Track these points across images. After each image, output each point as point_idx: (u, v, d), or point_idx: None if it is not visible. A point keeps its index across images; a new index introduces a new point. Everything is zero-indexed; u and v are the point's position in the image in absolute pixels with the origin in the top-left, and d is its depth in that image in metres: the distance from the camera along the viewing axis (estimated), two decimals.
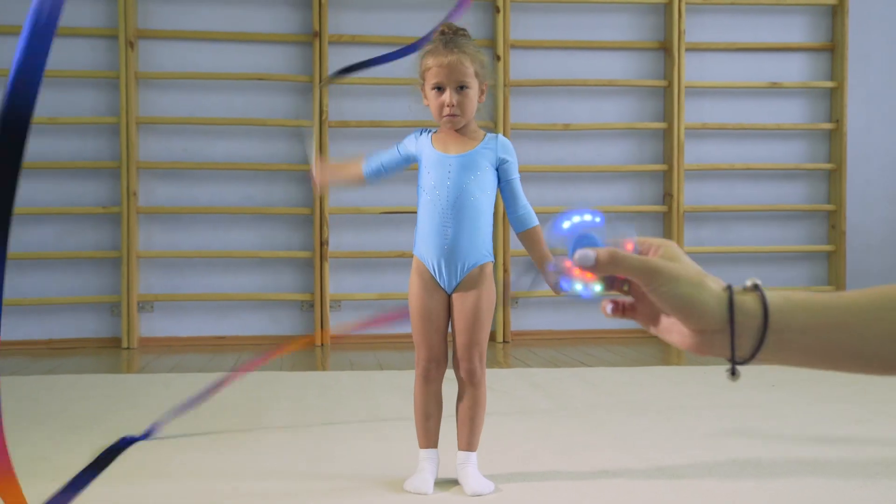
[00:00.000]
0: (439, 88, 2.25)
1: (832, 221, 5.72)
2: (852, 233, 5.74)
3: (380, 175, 2.36)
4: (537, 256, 2.34)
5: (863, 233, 5.79)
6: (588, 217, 0.84)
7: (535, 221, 2.33)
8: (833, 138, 5.72)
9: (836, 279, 5.68)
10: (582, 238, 0.82)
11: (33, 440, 2.78)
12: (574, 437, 2.84)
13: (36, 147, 5.20)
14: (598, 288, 0.83)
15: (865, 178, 5.81)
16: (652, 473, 2.41)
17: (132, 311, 5.17)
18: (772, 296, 0.81)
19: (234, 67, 5.31)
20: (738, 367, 0.81)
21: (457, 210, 2.23)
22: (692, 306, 0.78)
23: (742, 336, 0.79)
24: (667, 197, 5.59)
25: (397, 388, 3.71)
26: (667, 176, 5.59)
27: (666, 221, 5.60)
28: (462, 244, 2.24)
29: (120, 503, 2.14)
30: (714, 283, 0.80)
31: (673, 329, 0.82)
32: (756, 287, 0.82)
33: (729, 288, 0.80)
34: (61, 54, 5.22)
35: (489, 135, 2.32)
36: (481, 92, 2.31)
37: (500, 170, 2.30)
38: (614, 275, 0.82)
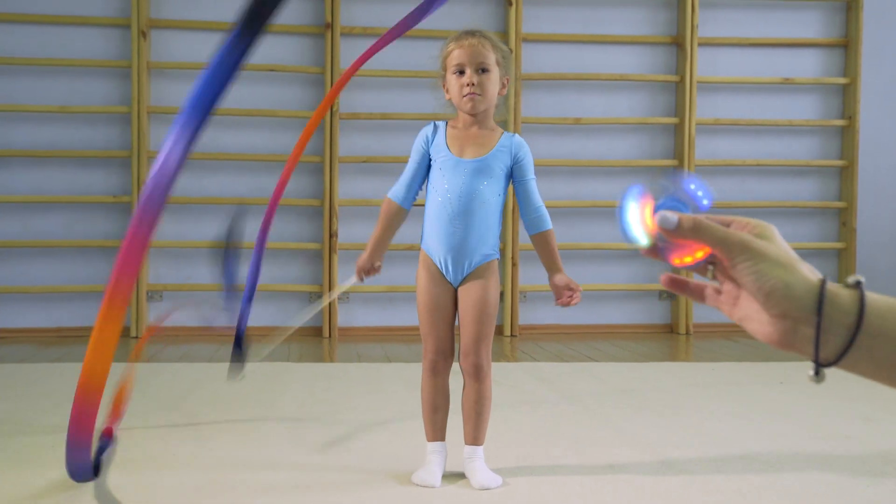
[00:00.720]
0: (461, 72, 2.27)
1: (843, 218, 5.70)
2: (863, 230, 5.72)
3: (415, 194, 2.35)
4: (546, 261, 2.31)
5: (874, 230, 5.76)
6: (700, 193, 0.81)
7: (549, 225, 2.31)
8: (845, 135, 5.70)
9: (845, 277, 5.64)
10: (670, 200, 0.79)
11: (42, 428, 2.79)
12: (581, 431, 2.84)
13: (47, 135, 5.21)
14: (644, 241, 0.79)
15: (877, 175, 5.78)
16: (659, 468, 2.40)
17: (141, 301, 5.19)
18: (874, 297, 0.73)
19: (245, 58, 5.30)
20: (823, 370, 0.73)
21: (468, 212, 2.24)
22: (776, 286, 0.72)
23: (830, 332, 0.72)
24: None
25: (405, 380, 3.71)
26: (678, 171, 5.58)
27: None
28: (471, 243, 2.25)
29: (127, 493, 2.15)
30: (808, 271, 0.74)
31: (754, 317, 0.76)
32: (858, 284, 0.74)
33: (824, 278, 0.74)
34: (74, 43, 5.23)
35: (506, 133, 2.31)
36: (502, 85, 2.31)
37: (515, 169, 2.29)
38: (697, 243, 0.77)
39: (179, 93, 5.30)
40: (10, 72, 5.18)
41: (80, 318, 5.25)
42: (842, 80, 5.64)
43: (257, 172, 5.34)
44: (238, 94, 5.30)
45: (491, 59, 2.27)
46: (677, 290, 0.84)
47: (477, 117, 2.30)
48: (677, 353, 4.71)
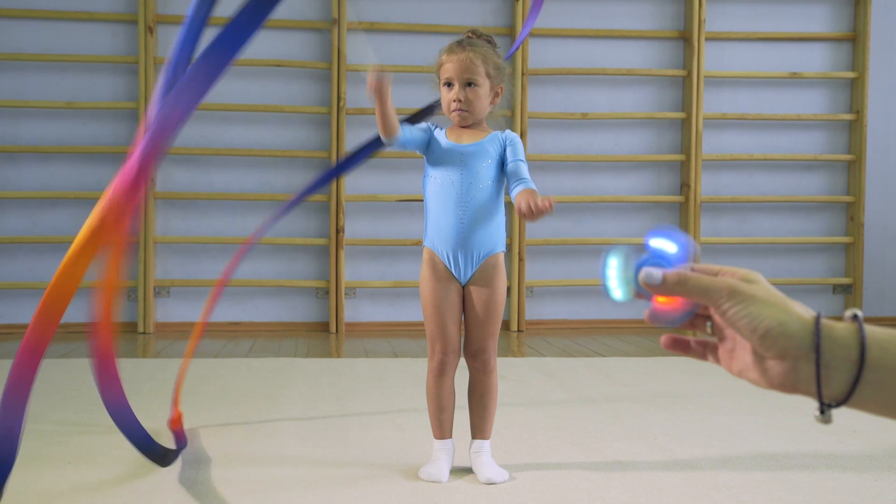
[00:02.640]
0: (449, 84, 2.30)
1: (851, 213, 5.69)
2: (871, 224, 5.70)
3: (405, 143, 2.31)
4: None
5: (881, 224, 5.75)
6: (674, 249, 0.79)
7: (527, 186, 2.23)
8: (853, 129, 5.68)
9: (853, 271, 5.65)
10: (653, 256, 0.79)
11: (50, 423, 2.80)
12: (588, 426, 2.84)
13: (54, 131, 5.22)
14: (621, 294, 0.79)
15: (885, 169, 5.76)
16: (666, 464, 2.40)
17: (148, 296, 5.20)
18: (872, 329, 0.71)
19: (252, 54, 5.31)
20: (832, 409, 0.71)
21: (472, 195, 2.25)
22: (770, 326, 0.71)
23: (832, 368, 0.70)
24: (684, 187, 5.56)
25: (412, 375, 3.72)
26: (684, 166, 5.57)
27: (683, 212, 5.57)
28: (478, 231, 2.26)
29: (135, 490, 2.15)
30: (801, 309, 0.72)
31: (753, 366, 0.74)
32: (855, 317, 0.72)
33: (818, 314, 0.72)
34: (81, 39, 5.24)
35: (497, 131, 2.34)
36: (495, 94, 2.33)
37: (508, 151, 2.30)
38: (684, 297, 0.76)
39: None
40: (17, 67, 5.19)
41: (87, 314, 5.25)
42: (850, 75, 5.62)
43: (264, 168, 5.35)
44: (245, 90, 5.31)
45: (480, 72, 2.27)
46: (679, 350, 0.83)
47: (468, 128, 2.33)
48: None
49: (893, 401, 0.69)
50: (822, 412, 0.71)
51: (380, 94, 2.21)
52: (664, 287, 0.75)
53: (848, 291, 5.68)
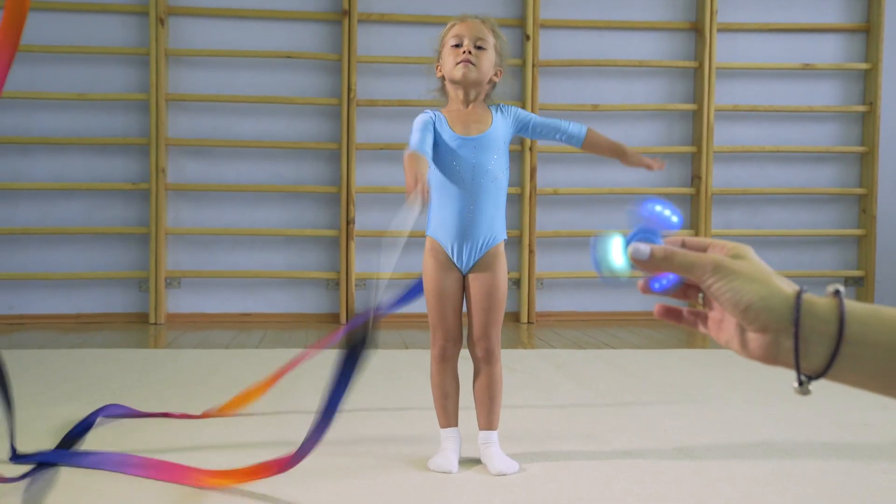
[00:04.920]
0: (458, 45, 2.27)
1: (863, 205, 5.66)
2: (883, 217, 5.68)
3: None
4: (610, 150, 2.41)
5: (894, 217, 5.72)
6: (668, 213, 0.83)
7: (584, 127, 2.37)
8: (866, 121, 5.65)
9: (865, 264, 5.62)
10: (641, 232, 0.82)
11: (62, 413, 2.81)
12: (597, 418, 2.83)
13: (66, 123, 5.24)
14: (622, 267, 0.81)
15: None
16: (675, 455, 2.40)
17: (160, 287, 5.22)
18: (854, 304, 0.72)
19: (263, 45, 5.32)
20: (811, 382, 0.73)
21: (479, 191, 2.23)
22: (752, 301, 0.73)
23: (811, 342, 0.72)
24: (695, 179, 5.55)
25: (422, 366, 3.72)
26: (695, 158, 5.55)
27: (694, 204, 5.56)
28: (482, 224, 2.25)
29: (144, 482, 2.16)
30: (785, 285, 0.74)
31: (738, 337, 0.77)
32: (837, 293, 0.74)
33: (800, 289, 0.74)
34: (92, 31, 5.25)
35: (492, 107, 2.32)
36: (497, 71, 2.31)
37: (520, 122, 2.32)
38: (671, 272, 0.79)
39: (197, 80, 5.32)
40: (29, 59, 5.20)
41: (100, 304, 5.29)
42: (863, 66, 5.59)
43: (275, 160, 5.35)
44: (255, 82, 5.31)
45: (489, 40, 2.28)
46: (671, 319, 0.86)
47: (468, 94, 2.29)
48: (694, 340, 4.70)
49: (872, 374, 0.71)
50: (800, 384, 0.74)
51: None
52: (651, 262, 0.78)
53: (860, 284, 5.66)
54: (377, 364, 3.82)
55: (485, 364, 2.29)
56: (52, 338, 4.59)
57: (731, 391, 3.28)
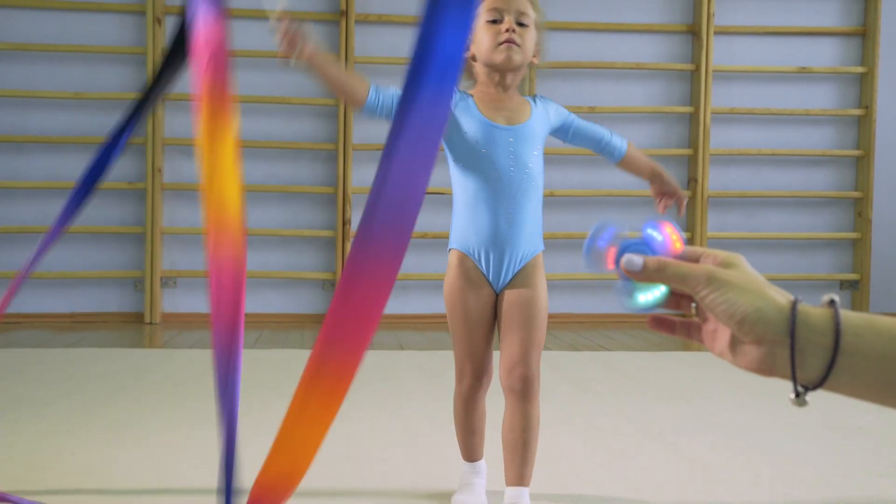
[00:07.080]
0: (496, 20, 1.86)
1: (859, 209, 5.67)
2: (879, 220, 5.69)
3: (383, 112, 1.87)
4: (646, 167, 2.07)
5: (889, 221, 5.73)
6: (675, 237, 0.83)
7: (626, 140, 2.04)
8: (862, 124, 5.66)
9: (861, 267, 5.63)
10: (632, 243, 0.81)
11: (56, 413, 2.81)
12: (594, 420, 2.84)
13: (62, 122, 5.23)
14: (642, 298, 0.81)
15: (894, 165, 5.74)
16: (671, 457, 2.40)
17: (155, 287, 5.21)
18: (849, 315, 0.72)
19: (260, 45, 5.31)
20: (807, 393, 0.73)
21: (518, 192, 1.85)
22: (746, 312, 0.72)
23: (807, 353, 0.71)
24: (691, 182, 5.55)
25: (418, 367, 3.72)
26: (692, 161, 5.56)
27: (690, 207, 5.56)
28: (524, 230, 1.87)
29: (148, 480, 2.16)
30: (779, 295, 0.74)
31: (732, 348, 0.76)
32: (832, 303, 0.73)
33: (794, 299, 0.73)
34: (90, 30, 5.25)
35: (528, 98, 1.97)
36: (536, 51, 1.95)
37: (561, 122, 1.97)
38: (664, 283, 0.78)
39: (194, 80, 5.30)
40: (26, 58, 5.20)
41: (95, 303, 5.28)
42: (859, 69, 5.60)
43: (272, 160, 5.35)
44: (252, 81, 5.31)
45: (531, 15, 1.89)
46: (665, 330, 0.85)
47: (505, 80, 1.90)
48: (690, 343, 4.69)
49: (868, 385, 0.70)
50: (797, 395, 0.73)
51: (297, 49, 1.73)
52: (644, 273, 0.78)
53: (855, 287, 5.67)
54: (373, 364, 3.82)
55: (520, 400, 1.82)
56: (47, 337, 4.58)
57: (726, 393, 3.28)
